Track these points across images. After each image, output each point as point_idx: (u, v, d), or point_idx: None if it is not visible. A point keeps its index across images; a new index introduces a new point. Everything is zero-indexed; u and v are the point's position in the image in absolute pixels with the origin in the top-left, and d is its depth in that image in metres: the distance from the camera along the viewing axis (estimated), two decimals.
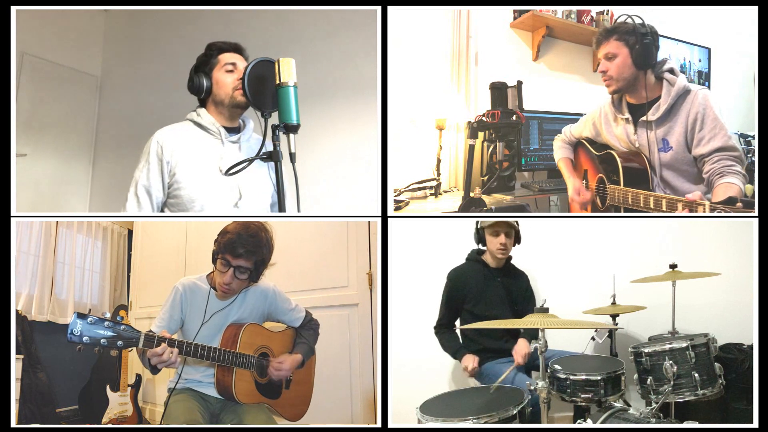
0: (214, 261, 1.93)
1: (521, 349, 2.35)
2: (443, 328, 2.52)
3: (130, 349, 1.72)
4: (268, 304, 2.11)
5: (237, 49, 2.09)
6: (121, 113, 3.87)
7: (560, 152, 2.61)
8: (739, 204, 1.78)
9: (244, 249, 1.86)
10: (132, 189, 2.01)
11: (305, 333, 2.19)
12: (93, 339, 1.60)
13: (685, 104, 2.09)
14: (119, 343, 1.64)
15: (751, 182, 2.15)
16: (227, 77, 2.04)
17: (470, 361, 2.36)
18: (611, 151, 2.33)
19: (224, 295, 1.98)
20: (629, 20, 2.13)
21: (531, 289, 2.66)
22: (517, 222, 2.48)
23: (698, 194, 1.91)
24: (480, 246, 2.56)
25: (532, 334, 2.48)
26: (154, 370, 1.80)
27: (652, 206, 2.07)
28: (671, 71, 2.13)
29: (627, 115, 2.25)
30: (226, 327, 1.99)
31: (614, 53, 2.15)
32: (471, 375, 2.38)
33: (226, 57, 2.06)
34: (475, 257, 2.57)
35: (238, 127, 2.13)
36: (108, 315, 1.65)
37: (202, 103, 2.11)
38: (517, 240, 2.51)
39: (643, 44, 2.10)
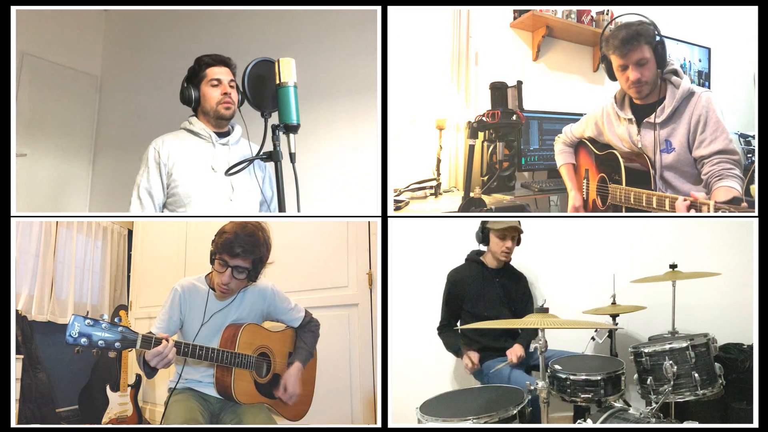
0: (212, 261, 1.93)
1: (516, 350, 2.35)
2: (446, 329, 2.52)
3: (129, 350, 1.72)
4: (267, 303, 2.11)
5: (224, 62, 2.22)
6: (121, 113, 3.87)
7: (562, 157, 2.60)
8: (744, 204, 1.78)
9: (242, 248, 1.87)
10: (135, 192, 2.16)
11: (304, 336, 2.18)
12: (91, 341, 1.61)
13: (689, 106, 2.09)
14: (117, 344, 1.64)
15: (751, 182, 2.15)
16: (213, 91, 2.19)
17: (468, 358, 2.36)
18: (613, 151, 2.32)
19: (223, 295, 1.98)
20: (645, 21, 2.10)
21: (529, 291, 2.67)
22: (519, 224, 2.48)
23: (703, 194, 1.91)
24: (481, 246, 2.56)
25: (530, 336, 2.49)
26: (151, 373, 1.80)
27: (654, 206, 2.07)
28: (675, 73, 2.13)
29: (630, 116, 2.24)
30: (225, 327, 1.99)
31: (647, 58, 2.09)
32: (472, 371, 2.38)
33: (213, 71, 2.20)
34: (474, 258, 2.57)
35: (227, 131, 2.28)
36: (106, 317, 1.65)
37: (195, 111, 2.26)
38: (519, 242, 2.52)
39: (663, 45, 2.09)
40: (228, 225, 1.93)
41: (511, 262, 2.62)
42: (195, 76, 2.21)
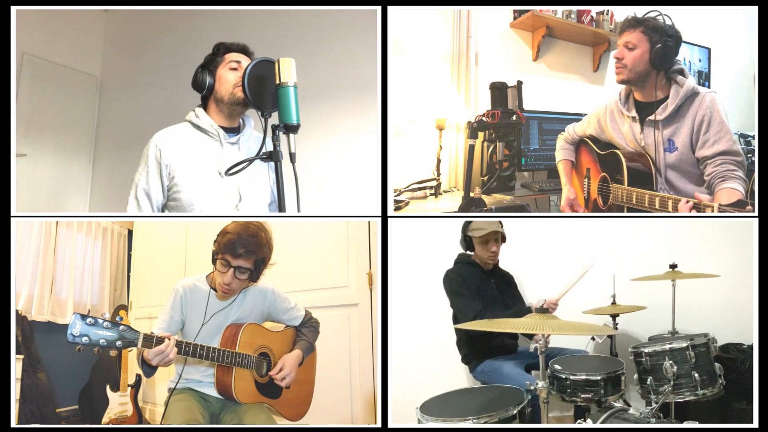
0: (213, 261, 1.93)
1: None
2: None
3: (129, 349, 1.72)
4: (268, 303, 2.11)
5: (244, 50, 2.11)
6: (121, 113, 3.87)
7: (561, 153, 2.61)
8: (749, 207, 1.79)
9: (245, 249, 1.87)
10: (132, 192, 2.04)
11: (305, 330, 2.19)
12: (92, 340, 1.61)
13: (692, 106, 2.09)
14: (118, 343, 1.64)
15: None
16: (230, 74, 2.05)
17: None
18: (616, 151, 2.33)
19: (224, 295, 1.98)
20: (659, 18, 2.12)
21: (518, 291, 2.67)
22: (501, 224, 2.47)
23: (707, 196, 1.91)
24: (468, 251, 2.56)
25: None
26: (150, 372, 1.80)
27: (657, 207, 2.07)
28: (681, 73, 2.14)
29: (634, 114, 2.25)
30: (226, 327, 1.99)
31: (635, 44, 2.14)
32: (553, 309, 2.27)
33: (232, 56, 2.08)
34: (467, 260, 2.55)
35: (237, 127, 2.14)
36: (107, 315, 1.66)
37: (204, 102, 2.12)
38: (503, 240, 2.51)
39: (665, 45, 2.10)
40: (230, 225, 1.92)
41: (506, 263, 2.62)
42: (212, 62, 2.08)
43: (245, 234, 1.88)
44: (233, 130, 2.12)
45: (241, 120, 2.15)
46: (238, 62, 2.06)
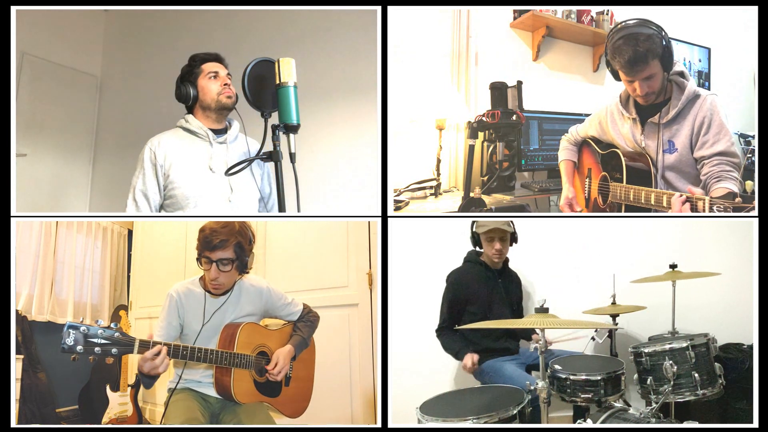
0: (199, 263, 1.96)
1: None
2: (445, 330, 2.50)
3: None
4: (264, 301, 2.13)
5: (218, 58, 2.27)
6: (121, 113, 3.87)
7: (563, 153, 2.60)
8: (739, 199, 1.79)
9: (218, 240, 1.90)
10: (131, 195, 2.16)
11: (300, 325, 2.21)
12: (87, 348, 1.61)
13: (693, 108, 2.09)
14: (113, 350, 1.65)
15: (747, 178, 2.15)
16: (211, 84, 2.20)
17: (469, 359, 2.36)
18: (616, 150, 2.33)
19: (216, 290, 2.00)
20: (651, 31, 2.04)
21: (522, 291, 2.67)
22: (511, 224, 2.47)
23: (699, 190, 1.92)
24: (478, 248, 2.56)
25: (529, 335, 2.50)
26: (149, 383, 1.81)
27: (653, 203, 2.07)
28: (681, 74, 2.12)
29: (634, 115, 2.24)
30: (223, 327, 2.00)
31: (655, 73, 2.08)
32: (470, 372, 2.38)
33: (209, 66, 2.22)
34: (474, 258, 2.56)
35: (224, 128, 2.26)
36: (102, 322, 1.66)
37: (190, 110, 2.25)
38: (514, 240, 2.52)
39: (669, 50, 2.06)
40: (206, 224, 1.96)
41: (510, 263, 2.62)
42: (190, 73, 2.22)
43: (217, 226, 1.93)
44: (221, 131, 2.25)
45: (227, 122, 2.28)
46: (216, 72, 2.20)
